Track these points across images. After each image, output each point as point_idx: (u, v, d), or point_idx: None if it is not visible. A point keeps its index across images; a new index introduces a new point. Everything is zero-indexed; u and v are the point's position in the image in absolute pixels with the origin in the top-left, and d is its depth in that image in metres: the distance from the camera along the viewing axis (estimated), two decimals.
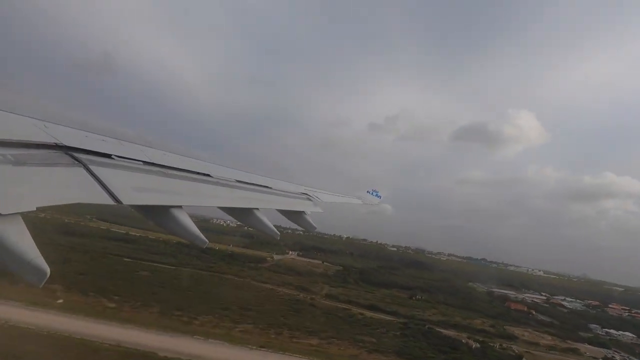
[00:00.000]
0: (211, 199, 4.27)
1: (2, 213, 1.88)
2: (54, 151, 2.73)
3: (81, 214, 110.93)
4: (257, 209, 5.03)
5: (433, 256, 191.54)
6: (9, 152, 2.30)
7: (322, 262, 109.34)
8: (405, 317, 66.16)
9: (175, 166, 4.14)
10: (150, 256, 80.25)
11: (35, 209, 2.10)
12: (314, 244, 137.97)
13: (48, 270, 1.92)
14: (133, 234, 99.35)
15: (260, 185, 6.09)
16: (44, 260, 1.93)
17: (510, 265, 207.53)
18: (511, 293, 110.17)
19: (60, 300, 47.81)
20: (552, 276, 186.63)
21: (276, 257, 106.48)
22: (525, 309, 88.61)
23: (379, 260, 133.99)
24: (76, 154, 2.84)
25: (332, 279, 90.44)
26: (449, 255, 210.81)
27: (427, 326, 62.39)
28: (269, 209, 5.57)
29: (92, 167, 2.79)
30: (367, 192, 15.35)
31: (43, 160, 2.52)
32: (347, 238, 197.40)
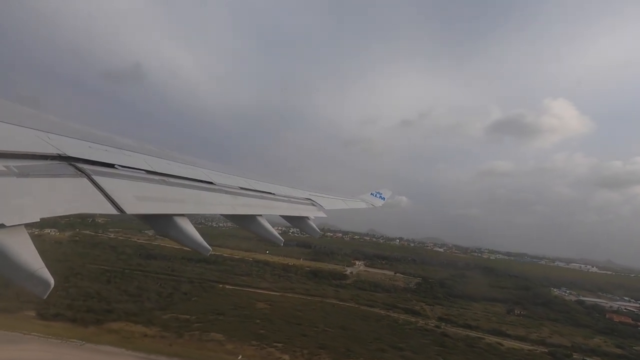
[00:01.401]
0: (214, 207, 4.27)
1: (6, 224, 1.89)
2: (58, 162, 2.74)
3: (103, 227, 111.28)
4: (261, 215, 5.02)
5: (479, 255, 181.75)
6: (13, 163, 2.31)
7: (395, 274, 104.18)
8: (540, 343, 61.79)
9: (178, 175, 4.15)
10: (241, 279, 77.15)
11: (39, 220, 2.11)
12: (357, 247, 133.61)
13: (52, 281, 1.92)
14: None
15: (264, 192, 6.08)
16: (48, 272, 1.93)
17: (557, 260, 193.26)
18: (601, 301, 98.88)
19: (240, 357, 45.41)
20: (608, 272, 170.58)
21: (348, 269, 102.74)
22: (630, 320, 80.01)
23: (443, 266, 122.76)
24: (79, 165, 2.86)
25: (421, 294, 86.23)
26: (490, 252, 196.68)
27: (573, 356, 57.58)
28: (272, 215, 5.57)
29: (95, 177, 2.80)
30: (371, 194, 15.32)
31: (46, 171, 2.54)
32: (382, 238, 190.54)
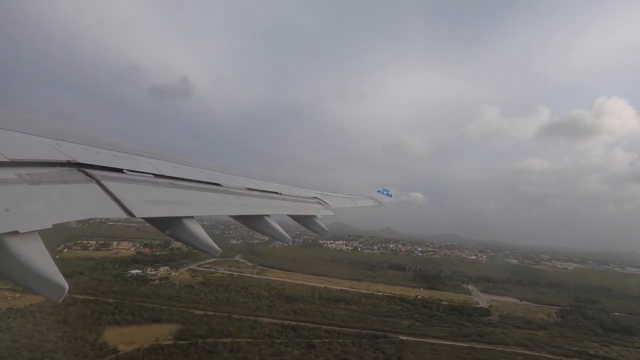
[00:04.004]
0: (222, 208, 4.30)
1: (20, 231, 1.93)
2: (68, 168, 2.79)
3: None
4: (268, 215, 5.04)
5: (552, 264, 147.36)
6: (25, 171, 2.36)
7: (521, 301, 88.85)
8: None
9: (185, 177, 4.19)
10: (407, 325, 64.07)
11: (51, 226, 2.15)
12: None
13: (66, 286, 1.96)
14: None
15: (270, 192, 6.10)
16: (62, 277, 1.97)
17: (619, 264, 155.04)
18: None
19: None
20: None
21: (472, 298, 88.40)
22: None
23: (554, 287, 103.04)
24: (89, 170, 2.91)
25: (578, 330, 70.61)
26: (564, 260, 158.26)
27: None
28: (279, 215, 5.59)
29: (104, 182, 2.84)
30: (378, 191, 15.23)
31: (57, 177, 2.58)
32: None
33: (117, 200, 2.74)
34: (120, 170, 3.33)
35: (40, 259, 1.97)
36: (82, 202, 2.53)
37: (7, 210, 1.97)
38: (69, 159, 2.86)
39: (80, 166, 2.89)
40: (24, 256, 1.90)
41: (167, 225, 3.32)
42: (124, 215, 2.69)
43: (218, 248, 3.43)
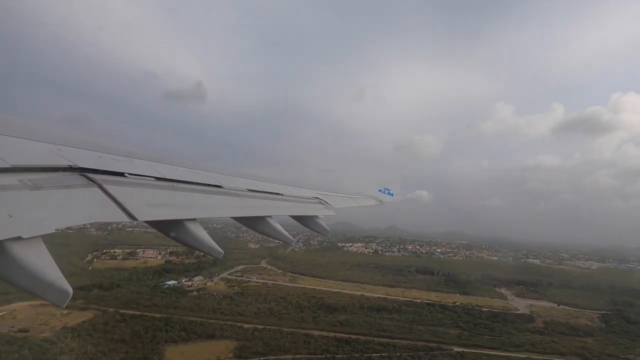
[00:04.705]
0: (223, 210, 4.31)
1: (23, 237, 1.94)
2: (69, 173, 2.80)
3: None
4: (270, 216, 5.04)
5: (574, 264, 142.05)
6: (26, 177, 2.37)
7: (558, 305, 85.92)
8: None
9: (186, 180, 4.20)
10: (445, 333, 62.70)
11: (54, 231, 2.15)
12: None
13: (70, 290, 1.96)
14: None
15: (272, 193, 6.11)
16: (66, 281, 1.97)
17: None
18: None
19: None
20: None
21: (509, 303, 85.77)
22: None
23: (584, 290, 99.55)
24: (90, 175, 2.91)
25: (624, 336, 68.06)
26: (584, 259, 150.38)
27: None
28: (281, 216, 5.59)
29: (106, 187, 2.85)
30: (379, 190, 15.21)
31: (59, 182, 2.59)
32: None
33: (119, 204, 2.74)
34: (121, 174, 3.33)
35: (44, 263, 1.97)
36: (84, 207, 2.54)
37: (10, 216, 1.98)
38: (71, 164, 2.86)
39: (81, 171, 2.90)
40: (28, 261, 1.90)
41: (169, 228, 3.32)
42: (126, 219, 2.70)
43: (220, 250, 3.44)
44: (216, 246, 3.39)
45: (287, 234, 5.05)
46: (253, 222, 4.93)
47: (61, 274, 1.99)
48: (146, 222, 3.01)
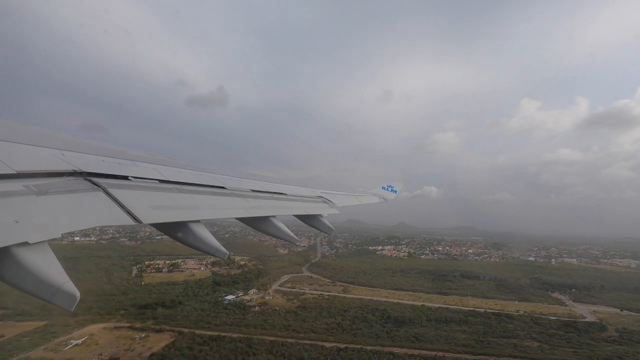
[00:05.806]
0: (227, 211, 4.31)
1: (30, 242, 1.95)
2: (74, 178, 2.82)
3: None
4: (274, 216, 5.05)
5: (612, 262, 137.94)
6: (31, 182, 2.39)
7: (621, 311, 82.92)
8: None
9: (190, 182, 4.21)
10: (525, 346, 58.63)
11: (60, 236, 2.17)
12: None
13: (78, 294, 1.98)
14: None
15: (275, 193, 6.11)
16: (73, 285, 1.98)
17: None
18: None
19: None
20: None
21: (562, 308, 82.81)
22: None
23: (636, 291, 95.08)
24: (95, 179, 2.93)
25: None
26: (616, 255, 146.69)
27: None
28: (285, 215, 5.59)
29: (110, 190, 2.87)
30: (382, 188, 15.20)
31: (64, 187, 2.60)
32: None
33: (123, 208, 2.76)
34: (125, 178, 3.35)
35: (51, 268, 1.99)
36: (89, 211, 2.55)
37: (17, 222, 1.99)
38: (75, 169, 2.88)
39: (86, 175, 2.92)
40: (35, 266, 1.92)
41: (174, 230, 3.34)
42: (131, 222, 2.71)
43: (225, 251, 3.45)
44: (221, 247, 3.41)
45: (291, 233, 5.06)
46: (257, 223, 4.94)
47: (68, 278, 2.00)
48: (151, 224, 3.03)
